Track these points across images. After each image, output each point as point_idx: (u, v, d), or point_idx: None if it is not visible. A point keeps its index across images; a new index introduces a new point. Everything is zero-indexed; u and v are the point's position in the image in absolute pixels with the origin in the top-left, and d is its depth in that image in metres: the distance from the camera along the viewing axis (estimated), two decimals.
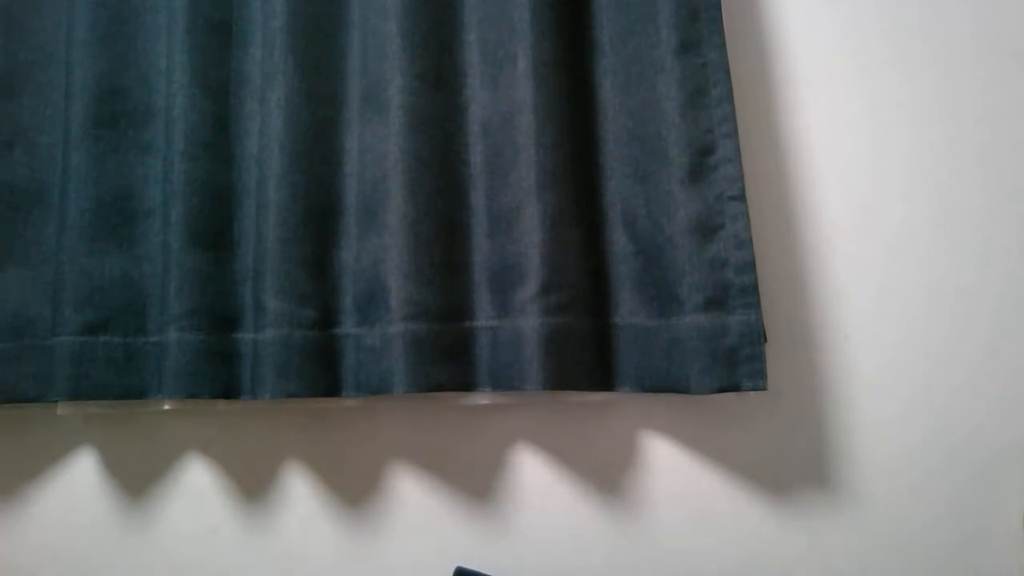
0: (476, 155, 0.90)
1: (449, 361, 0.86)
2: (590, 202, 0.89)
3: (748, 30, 0.97)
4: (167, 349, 0.87)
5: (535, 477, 0.92)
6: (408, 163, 0.87)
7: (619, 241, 0.89)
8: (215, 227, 0.90)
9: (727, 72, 0.86)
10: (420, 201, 0.87)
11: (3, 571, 0.95)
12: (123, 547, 0.94)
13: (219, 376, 0.88)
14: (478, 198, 0.90)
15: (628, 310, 0.88)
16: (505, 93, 0.90)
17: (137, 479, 0.95)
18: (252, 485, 0.94)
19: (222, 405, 0.92)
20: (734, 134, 0.85)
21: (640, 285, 0.88)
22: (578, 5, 0.92)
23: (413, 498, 0.93)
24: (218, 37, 0.93)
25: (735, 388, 0.82)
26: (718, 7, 0.87)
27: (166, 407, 0.90)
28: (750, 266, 0.84)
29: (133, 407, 0.92)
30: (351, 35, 0.94)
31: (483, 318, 0.88)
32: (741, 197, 0.84)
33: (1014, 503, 0.88)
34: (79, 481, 0.95)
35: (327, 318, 0.89)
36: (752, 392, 0.85)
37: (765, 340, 0.84)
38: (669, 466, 0.91)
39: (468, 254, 0.89)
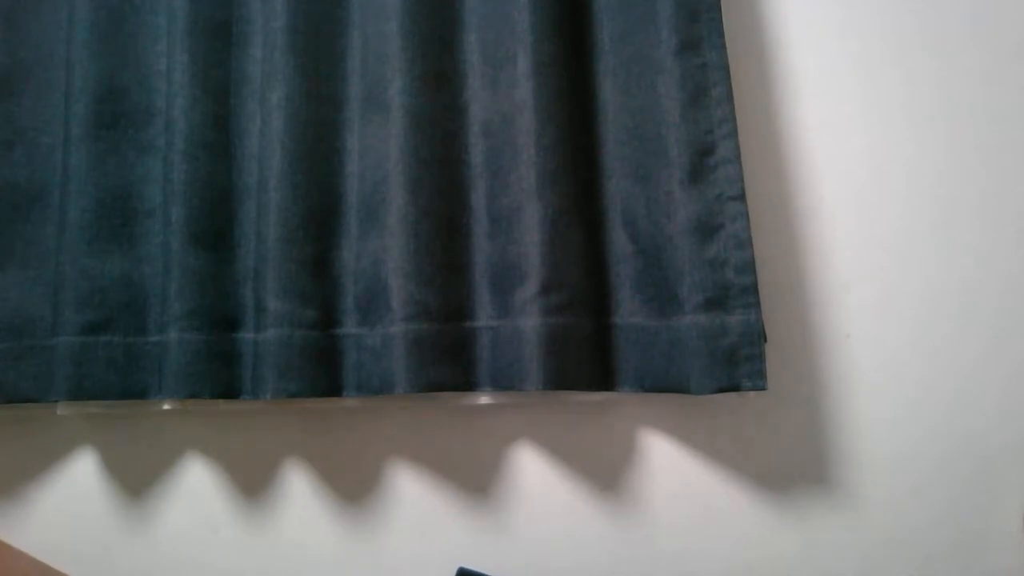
0: (476, 155, 0.91)
1: (450, 361, 0.86)
2: (590, 202, 0.89)
3: (748, 30, 0.97)
4: (168, 349, 0.87)
5: (535, 477, 0.92)
6: (409, 163, 0.87)
7: (619, 241, 0.89)
8: (216, 227, 0.90)
9: (727, 72, 0.86)
10: (421, 201, 0.87)
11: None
12: (123, 547, 0.94)
13: (220, 376, 0.88)
14: (478, 198, 0.90)
15: (628, 310, 0.88)
16: (505, 93, 0.90)
17: (137, 479, 0.95)
18: (252, 485, 0.94)
19: (222, 405, 0.92)
20: (734, 134, 0.85)
21: (640, 285, 0.88)
22: (578, 5, 0.92)
23: (413, 498, 0.93)
24: (218, 37, 0.93)
25: (735, 388, 0.82)
26: (718, 7, 0.88)
27: (166, 407, 0.90)
28: (750, 266, 0.84)
29: (133, 407, 0.92)
30: (352, 35, 0.94)
31: (483, 318, 0.88)
32: (741, 197, 0.84)
33: (1014, 503, 0.88)
34: (79, 481, 0.95)
35: (328, 318, 0.89)
36: (752, 392, 0.85)
37: (765, 340, 0.84)
38: (669, 466, 0.91)
39: (469, 254, 0.90)
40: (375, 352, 0.87)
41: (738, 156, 0.85)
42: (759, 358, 0.82)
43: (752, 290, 0.83)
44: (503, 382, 0.85)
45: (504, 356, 0.86)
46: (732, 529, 0.90)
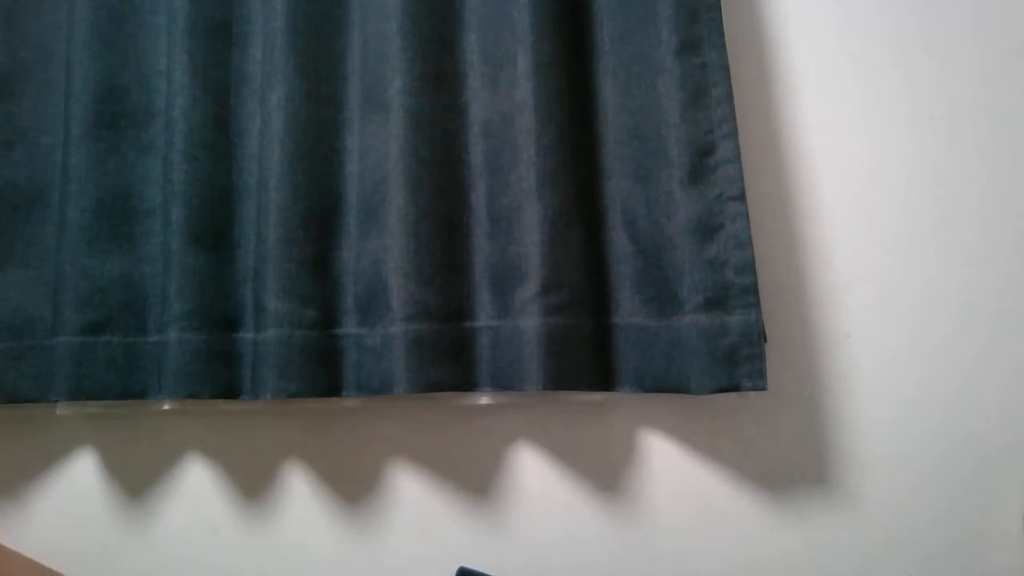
0: (476, 155, 0.91)
1: (450, 361, 0.86)
2: (590, 202, 0.89)
3: (748, 30, 0.97)
4: (167, 349, 0.87)
5: (535, 477, 0.92)
6: (409, 163, 0.87)
7: (619, 241, 0.89)
8: (216, 227, 0.90)
9: (727, 72, 0.86)
10: (421, 201, 0.87)
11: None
12: (123, 547, 0.94)
13: (219, 376, 0.88)
14: (478, 198, 0.90)
15: (628, 310, 0.88)
16: (505, 93, 0.90)
17: (137, 479, 0.95)
18: (252, 485, 0.94)
19: (222, 405, 0.92)
20: (734, 134, 0.85)
21: (640, 285, 0.88)
22: (578, 5, 0.92)
23: (413, 498, 0.93)
24: (218, 37, 0.93)
25: (735, 388, 0.82)
26: (718, 7, 0.88)
27: (166, 407, 0.90)
28: (750, 266, 0.84)
29: (133, 407, 0.92)
30: (352, 35, 0.94)
31: (483, 318, 0.88)
32: (741, 197, 0.84)
33: (1014, 503, 0.88)
34: (79, 481, 0.95)
35: (328, 318, 0.89)
36: (752, 392, 0.85)
37: (765, 340, 0.84)
38: (669, 466, 0.91)
39: (469, 254, 0.90)
40: (375, 352, 0.87)
41: (738, 156, 0.85)
42: (759, 358, 0.82)
43: (752, 290, 0.83)
44: (503, 382, 0.85)
45: (504, 356, 0.86)
46: (732, 529, 0.90)
